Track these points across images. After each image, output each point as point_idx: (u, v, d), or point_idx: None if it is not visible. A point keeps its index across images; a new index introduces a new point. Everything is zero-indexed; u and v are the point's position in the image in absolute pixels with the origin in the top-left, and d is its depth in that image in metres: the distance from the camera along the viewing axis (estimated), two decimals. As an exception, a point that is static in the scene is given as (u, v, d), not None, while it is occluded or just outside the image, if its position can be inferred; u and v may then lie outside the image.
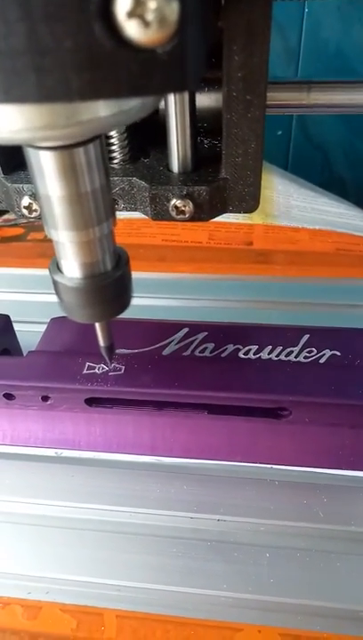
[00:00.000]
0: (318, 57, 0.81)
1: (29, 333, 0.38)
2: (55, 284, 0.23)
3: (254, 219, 0.56)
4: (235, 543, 0.30)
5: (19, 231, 0.56)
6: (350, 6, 0.75)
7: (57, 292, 0.23)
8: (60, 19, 0.12)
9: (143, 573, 0.29)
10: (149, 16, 0.12)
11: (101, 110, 0.15)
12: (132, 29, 0.12)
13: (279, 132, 0.87)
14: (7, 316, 0.37)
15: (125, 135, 0.26)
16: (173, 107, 0.24)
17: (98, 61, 0.13)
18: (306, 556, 0.30)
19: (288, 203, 0.60)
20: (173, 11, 0.12)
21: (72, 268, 0.22)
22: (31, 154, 0.18)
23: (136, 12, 0.12)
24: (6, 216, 0.57)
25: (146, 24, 0.12)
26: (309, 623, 0.27)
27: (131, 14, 0.12)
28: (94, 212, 0.20)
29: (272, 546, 0.30)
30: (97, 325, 0.27)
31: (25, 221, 0.56)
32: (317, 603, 0.28)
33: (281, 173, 0.68)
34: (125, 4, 0.12)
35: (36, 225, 0.56)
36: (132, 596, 0.28)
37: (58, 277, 0.22)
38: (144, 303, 0.47)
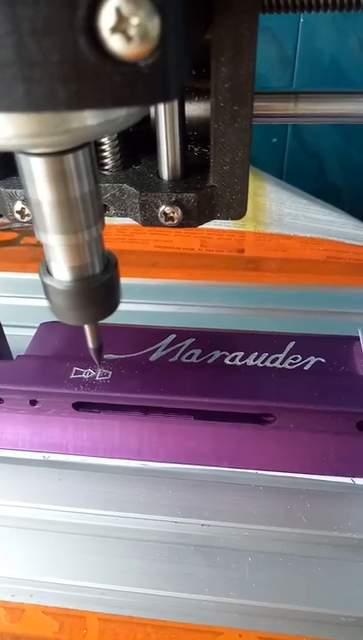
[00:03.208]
0: (314, 66, 0.81)
1: (20, 337, 0.38)
2: (45, 286, 0.23)
3: (246, 226, 0.57)
4: (218, 548, 0.30)
5: (12, 235, 0.56)
6: (344, 17, 0.76)
7: (47, 295, 0.24)
8: (47, 33, 0.12)
9: (127, 577, 0.29)
10: (132, 31, 0.13)
11: (88, 119, 0.16)
12: (115, 44, 0.13)
13: (274, 140, 0.87)
14: (-3, 320, 0.37)
15: (117, 142, 0.27)
16: (162, 116, 0.24)
17: (83, 74, 0.13)
18: (288, 561, 0.30)
19: (280, 210, 0.61)
20: (154, 26, 0.13)
21: (61, 271, 0.22)
22: (22, 160, 0.18)
23: (119, 27, 0.12)
24: (0, 220, 0.57)
25: (128, 39, 0.13)
26: (289, 627, 0.28)
27: (114, 30, 0.12)
28: (83, 216, 0.20)
29: (255, 550, 0.30)
30: (86, 327, 0.27)
31: (19, 226, 0.56)
32: (298, 607, 0.28)
33: (274, 181, 0.68)
34: (108, 20, 0.12)
35: (30, 229, 0.56)
36: (115, 599, 0.29)
37: (47, 280, 0.23)
38: (136, 309, 0.47)
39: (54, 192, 0.19)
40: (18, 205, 0.26)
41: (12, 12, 0.12)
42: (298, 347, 0.34)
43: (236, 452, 0.33)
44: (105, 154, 0.27)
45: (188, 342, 0.34)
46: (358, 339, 0.35)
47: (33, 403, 0.33)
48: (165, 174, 0.26)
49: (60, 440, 0.34)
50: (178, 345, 0.34)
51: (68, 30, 0.13)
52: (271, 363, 0.33)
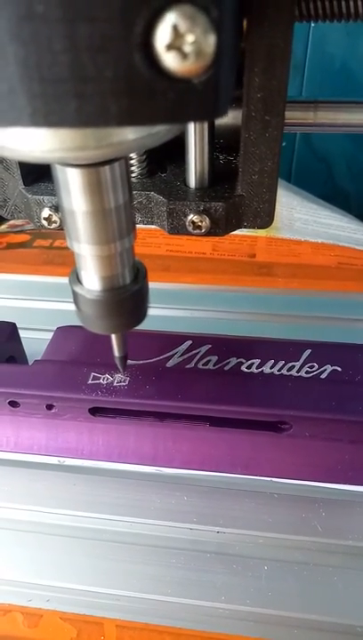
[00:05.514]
0: (324, 71, 0.81)
1: (35, 340, 0.38)
2: (74, 294, 0.23)
3: (258, 231, 0.57)
4: (234, 555, 0.30)
5: (25, 238, 0.56)
6: (355, 22, 0.76)
7: (76, 303, 0.24)
8: (103, 49, 0.12)
9: (143, 583, 0.29)
10: (187, 48, 0.13)
11: (132, 133, 0.16)
12: (170, 61, 0.13)
13: (283, 144, 0.87)
14: (13, 324, 0.37)
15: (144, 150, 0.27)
16: (192, 124, 0.24)
17: (136, 90, 0.13)
18: (304, 570, 0.30)
19: (291, 215, 0.61)
20: (210, 44, 0.13)
21: (92, 281, 0.22)
22: (58, 170, 0.18)
23: (175, 44, 0.12)
24: (12, 222, 0.57)
25: (184, 56, 0.13)
26: (305, 637, 0.28)
27: (170, 47, 0.13)
28: (117, 227, 0.20)
29: (271, 559, 0.30)
30: (113, 336, 0.27)
31: (31, 228, 0.56)
32: (314, 617, 0.28)
33: (285, 185, 0.68)
34: (164, 36, 0.12)
35: (43, 232, 0.56)
36: (131, 605, 0.29)
37: (77, 289, 0.23)
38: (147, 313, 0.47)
39: (89, 203, 0.19)
40: (45, 212, 0.26)
41: (69, 29, 0.12)
42: (314, 355, 0.34)
43: (251, 459, 0.33)
44: (132, 161, 0.27)
45: (204, 349, 0.34)
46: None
47: (49, 407, 0.33)
48: (192, 182, 0.26)
49: (75, 445, 0.34)
50: (194, 351, 0.34)
51: (124, 46, 0.13)
52: (288, 371, 0.33)
